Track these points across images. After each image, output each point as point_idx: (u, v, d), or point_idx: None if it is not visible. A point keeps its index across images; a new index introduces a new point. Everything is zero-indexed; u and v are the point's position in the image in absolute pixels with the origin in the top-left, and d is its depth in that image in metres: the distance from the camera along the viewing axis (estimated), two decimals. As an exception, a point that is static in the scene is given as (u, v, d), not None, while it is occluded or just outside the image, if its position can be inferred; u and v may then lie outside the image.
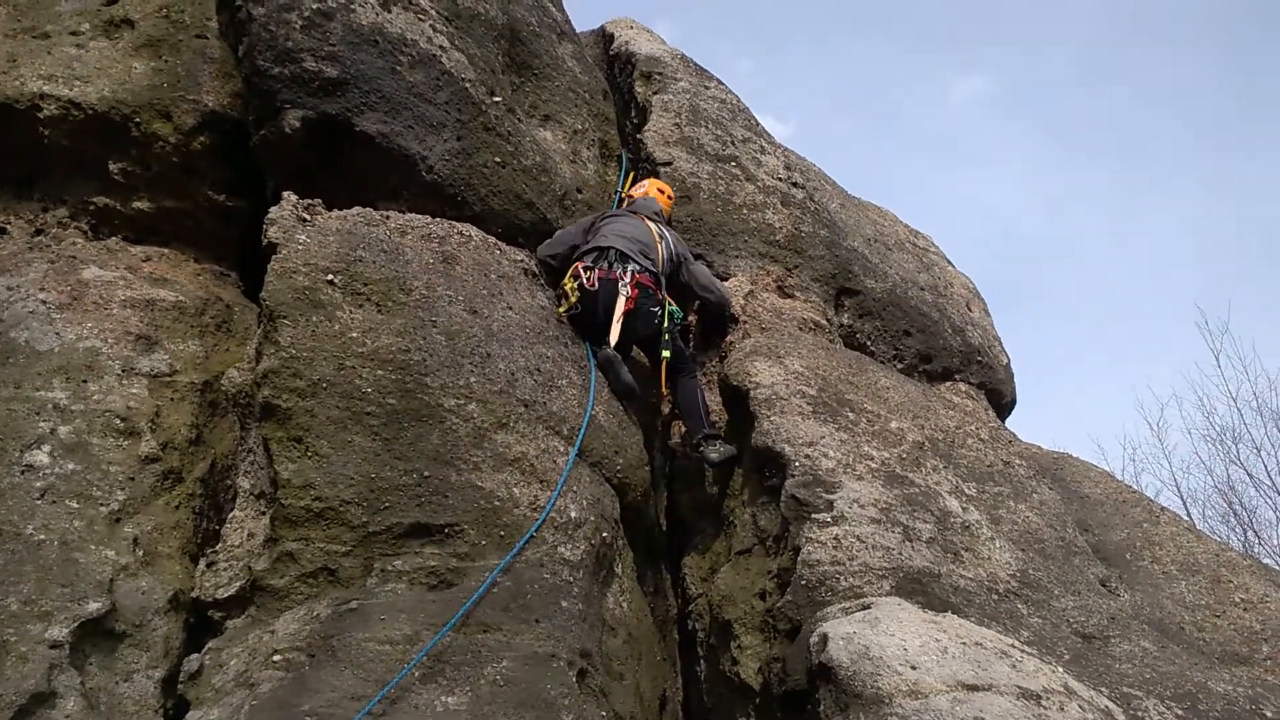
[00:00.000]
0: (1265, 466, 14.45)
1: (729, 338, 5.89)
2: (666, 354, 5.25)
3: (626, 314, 5.16)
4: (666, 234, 5.70)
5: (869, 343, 6.72)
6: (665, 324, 5.30)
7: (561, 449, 4.39)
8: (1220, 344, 22.89)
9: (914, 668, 3.14)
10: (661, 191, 6.18)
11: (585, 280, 5.21)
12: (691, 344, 5.99)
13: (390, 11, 5.31)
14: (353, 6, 5.13)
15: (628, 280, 5.20)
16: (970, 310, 8.22)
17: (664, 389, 5.34)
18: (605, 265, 5.25)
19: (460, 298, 4.58)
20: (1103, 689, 3.79)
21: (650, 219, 5.76)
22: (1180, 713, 3.93)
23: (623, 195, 6.44)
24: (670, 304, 5.44)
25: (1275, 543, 13.97)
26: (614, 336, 5.07)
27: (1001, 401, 7.79)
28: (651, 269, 5.39)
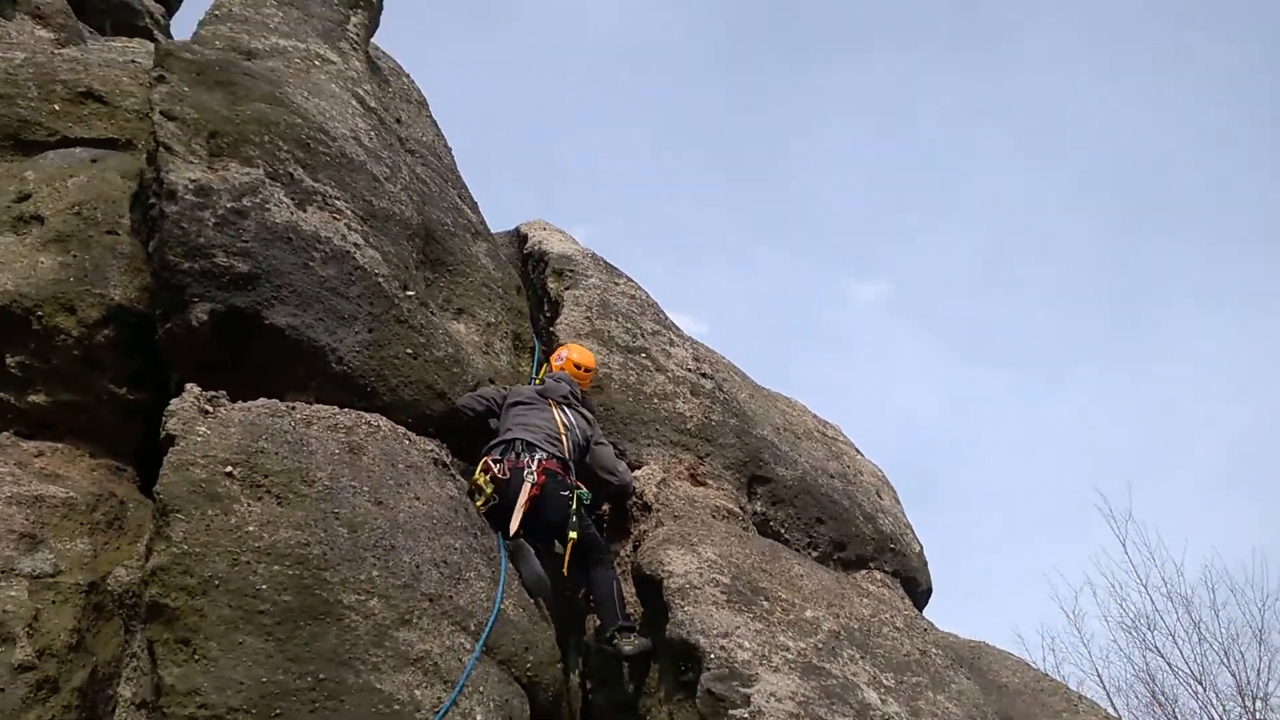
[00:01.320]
0: (1181, 654, 14.53)
1: (642, 526, 5.85)
2: (574, 534, 5.23)
3: (535, 500, 5.16)
4: (572, 420, 5.79)
5: (783, 530, 6.73)
6: (575, 506, 5.31)
7: (468, 645, 4.22)
8: (1125, 530, 23.39)
9: None
10: (578, 366, 6.31)
11: (496, 472, 5.25)
12: (605, 532, 5.93)
13: (305, 211, 5.44)
14: (267, 206, 5.24)
15: (534, 468, 5.24)
16: (881, 498, 8.34)
17: (564, 570, 5.24)
18: (513, 455, 5.33)
19: (365, 488, 4.48)
20: None
21: (559, 403, 5.85)
22: None
23: (536, 378, 6.53)
24: (580, 488, 5.48)
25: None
26: (515, 524, 5.05)
27: (918, 590, 7.80)
28: (558, 455, 5.46)
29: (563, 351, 6.44)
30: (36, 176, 5.70)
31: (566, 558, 5.21)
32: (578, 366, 6.31)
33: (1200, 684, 13.68)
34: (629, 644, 5.01)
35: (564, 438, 5.60)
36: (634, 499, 5.99)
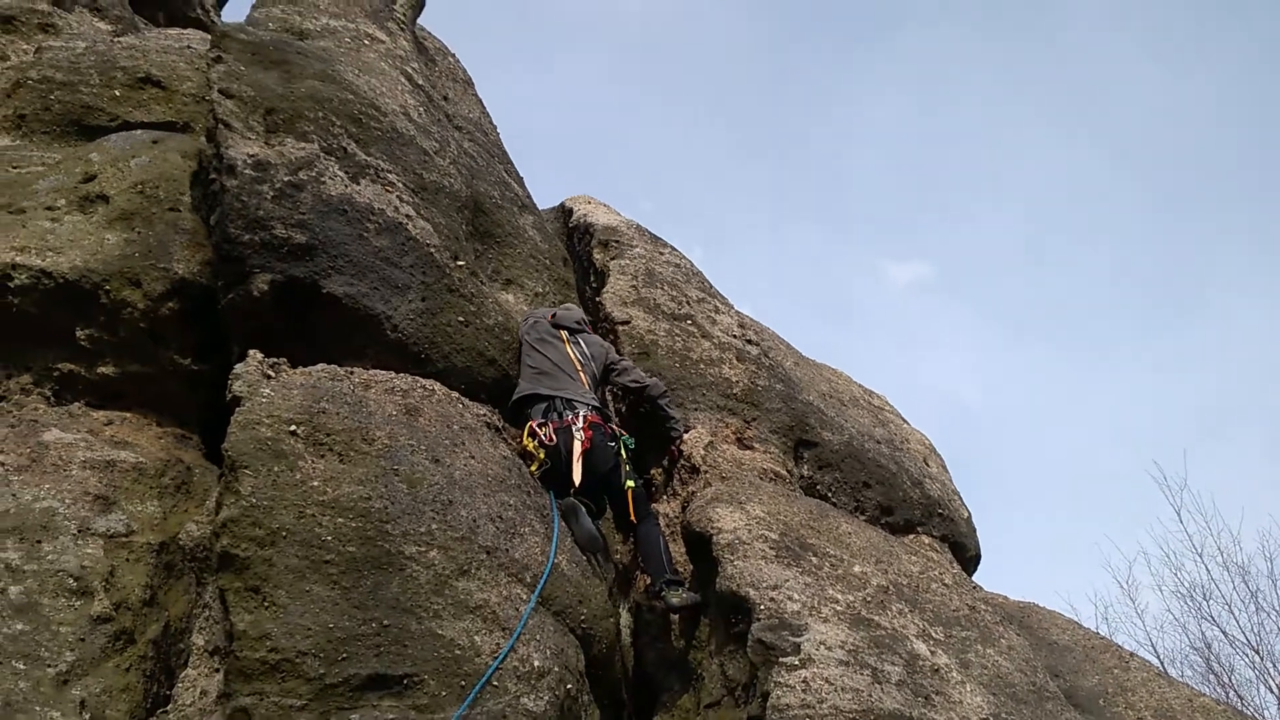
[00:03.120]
0: (1238, 624, 14.33)
1: (690, 488, 5.94)
2: (630, 484, 5.39)
3: (585, 454, 5.29)
4: (587, 352, 5.94)
5: (829, 494, 6.79)
6: (623, 454, 5.45)
7: (524, 596, 4.35)
8: (1180, 499, 23.03)
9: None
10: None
11: (543, 437, 5.37)
12: (653, 495, 6.03)
13: (359, 184, 5.58)
14: (323, 179, 5.40)
15: (580, 424, 5.39)
16: (928, 465, 8.34)
17: (632, 517, 5.38)
18: (556, 416, 5.48)
19: (423, 447, 4.63)
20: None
21: (571, 332, 6.02)
22: None
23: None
24: (623, 435, 5.64)
25: (1257, 703, 13.70)
26: (577, 476, 5.18)
27: (966, 555, 7.80)
28: (594, 403, 5.61)
29: None
30: (101, 158, 5.90)
31: (630, 506, 5.35)
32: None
33: (1258, 653, 13.50)
34: (676, 596, 5.12)
35: (581, 373, 5.76)
36: (682, 461, 6.08)
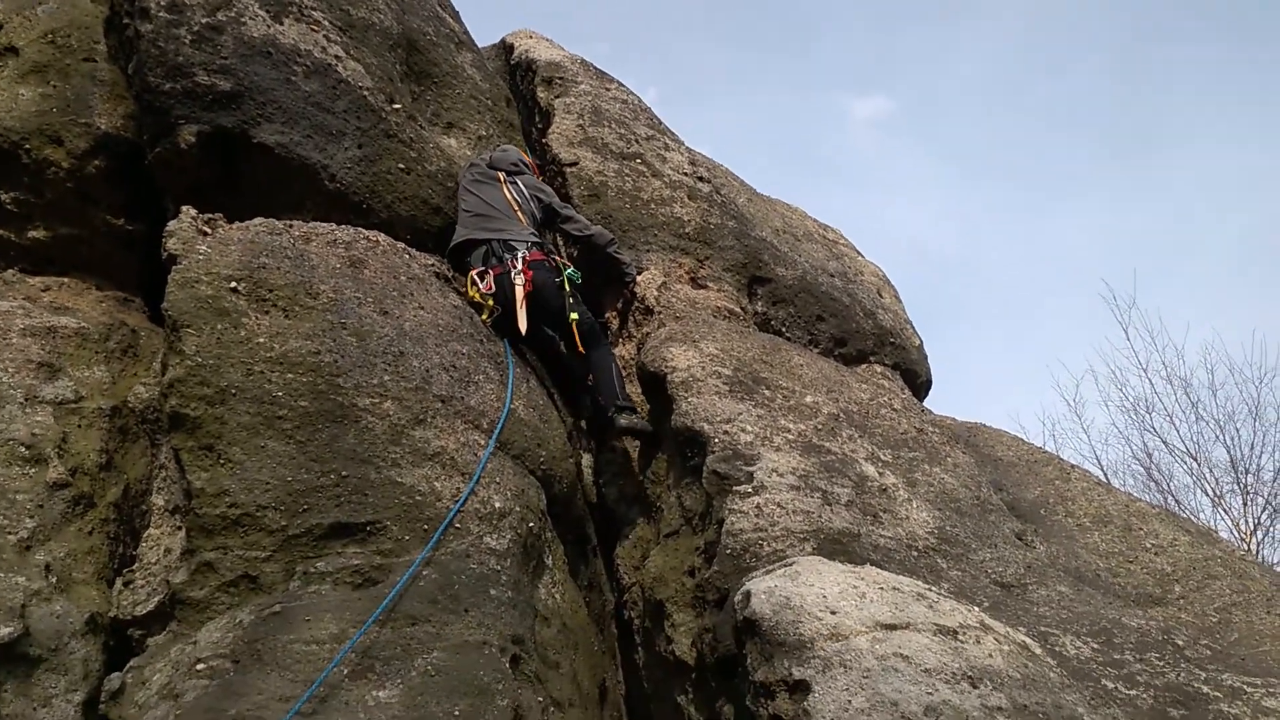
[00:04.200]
0: (1179, 434, 14.99)
1: (645, 329, 5.97)
2: (574, 316, 5.36)
3: (530, 296, 5.26)
4: (525, 193, 5.81)
5: (784, 329, 6.86)
6: (567, 287, 5.41)
7: (482, 442, 4.41)
8: (1128, 318, 23.63)
9: (833, 613, 3.22)
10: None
11: (483, 286, 5.32)
12: (609, 335, 6.05)
13: (282, 24, 5.29)
14: (243, 20, 5.11)
15: (519, 267, 5.31)
16: (881, 296, 8.43)
17: (579, 350, 5.39)
18: (495, 260, 5.39)
19: (370, 299, 4.57)
20: (1020, 628, 3.92)
21: (507, 174, 5.87)
22: (1096, 646, 4.08)
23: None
24: (567, 267, 5.58)
25: (1193, 505, 14.49)
26: (522, 323, 5.16)
27: (917, 381, 8.00)
28: (534, 239, 5.53)
29: None
30: (5, 6, 5.50)
31: (576, 339, 5.34)
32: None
33: (1195, 460, 14.21)
34: (625, 418, 5.22)
35: (519, 212, 5.65)
36: (636, 303, 6.08)
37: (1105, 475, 15.29)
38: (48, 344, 4.59)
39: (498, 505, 4.22)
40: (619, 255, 6.08)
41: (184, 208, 4.59)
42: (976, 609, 3.62)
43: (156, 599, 3.74)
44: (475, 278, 5.38)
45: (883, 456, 5.08)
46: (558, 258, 5.61)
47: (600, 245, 6.00)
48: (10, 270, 5.01)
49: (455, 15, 7.34)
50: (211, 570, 3.68)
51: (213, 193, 4.94)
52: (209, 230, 4.51)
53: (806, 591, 3.32)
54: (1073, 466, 6.34)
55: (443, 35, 6.78)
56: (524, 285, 5.26)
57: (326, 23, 5.55)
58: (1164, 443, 14.93)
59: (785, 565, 3.66)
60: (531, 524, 4.36)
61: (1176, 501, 14.57)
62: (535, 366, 5.55)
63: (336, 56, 5.43)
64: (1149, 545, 5.58)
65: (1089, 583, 5.00)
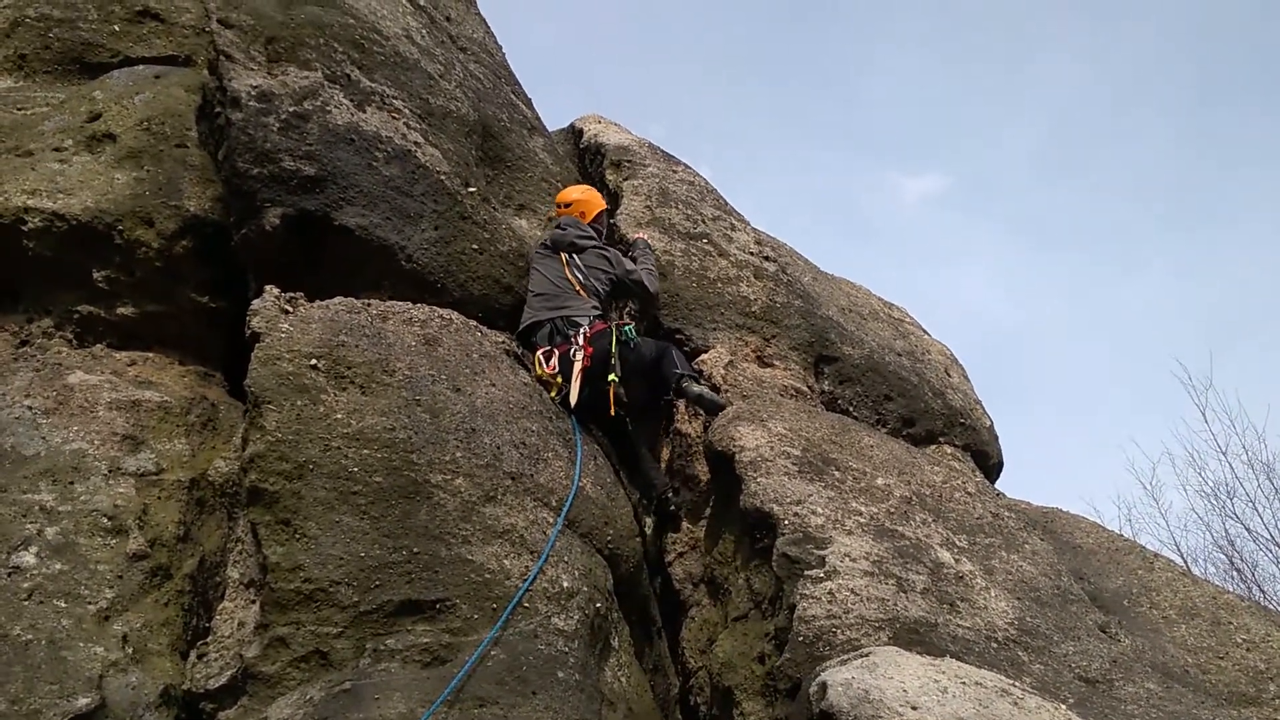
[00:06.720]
0: (1262, 520, 14.39)
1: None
2: (613, 377, 5.43)
3: (585, 371, 5.36)
4: (583, 267, 5.88)
5: (851, 408, 6.79)
6: (613, 348, 5.49)
7: (550, 520, 4.40)
8: (1205, 399, 22.88)
9: (914, 708, 3.11)
10: (559, 204, 6.46)
11: (549, 365, 5.44)
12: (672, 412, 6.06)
13: (365, 111, 5.50)
14: (328, 109, 5.32)
15: (579, 342, 5.44)
16: (949, 375, 8.32)
17: (611, 411, 5.46)
18: (560, 339, 5.53)
19: (443, 377, 4.64)
20: (1109, 726, 3.75)
21: (566, 252, 5.94)
22: (1190, 748, 3.88)
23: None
24: (624, 325, 5.69)
25: (1277, 594, 13.83)
26: (574, 397, 5.26)
27: (989, 463, 7.83)
28: (595, 312, 5.67)
29: (569, 191, 6.61)
30: (104, 96, 5.82)
31: (610, 399, 5.41)
32: (560, 204, 6.45)
33: (1280, 547, 13.58)
34: (696, 386, 5.59)
35: (581, 290, 5.76)
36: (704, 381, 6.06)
37: (1185, 562, 14.70)
38: (132, 417, 4.73)
39: (566, 585, 4.19)
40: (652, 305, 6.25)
41: (267, 287, 4.73)
42: (1063, 706, 3.48)
43: (229, 673, 3.75)
44: (541, 358, 5.47)
45: (958, 542, 4.95)
46: (620, 321, 5.69)
47: (640, 295, 6.16)
48: (99, 345, 5.18)
49: (528, 102, 7.58)
50: (284, 645, 3.70)
51: (294, 272, 5.09)
52: (291, 309, 4.64)
53: (886, 685, 3.22)
54: (1156, 555, 6.11)
55: (516, 121, 6.99)
56: (583, 360, 5.35)
57: (407, 110, 5.75)
58: (1246, 529, 14.33)
59: (862, 655, 3.56)
60: (599, 604, 4.32)
61: (1261, 591, 13.92)
62: (602, 444, 5.56)
63: (416, 143, 5.62)
64: (1240, 640, 5.33)
65: (1178, 679, 4.77)
